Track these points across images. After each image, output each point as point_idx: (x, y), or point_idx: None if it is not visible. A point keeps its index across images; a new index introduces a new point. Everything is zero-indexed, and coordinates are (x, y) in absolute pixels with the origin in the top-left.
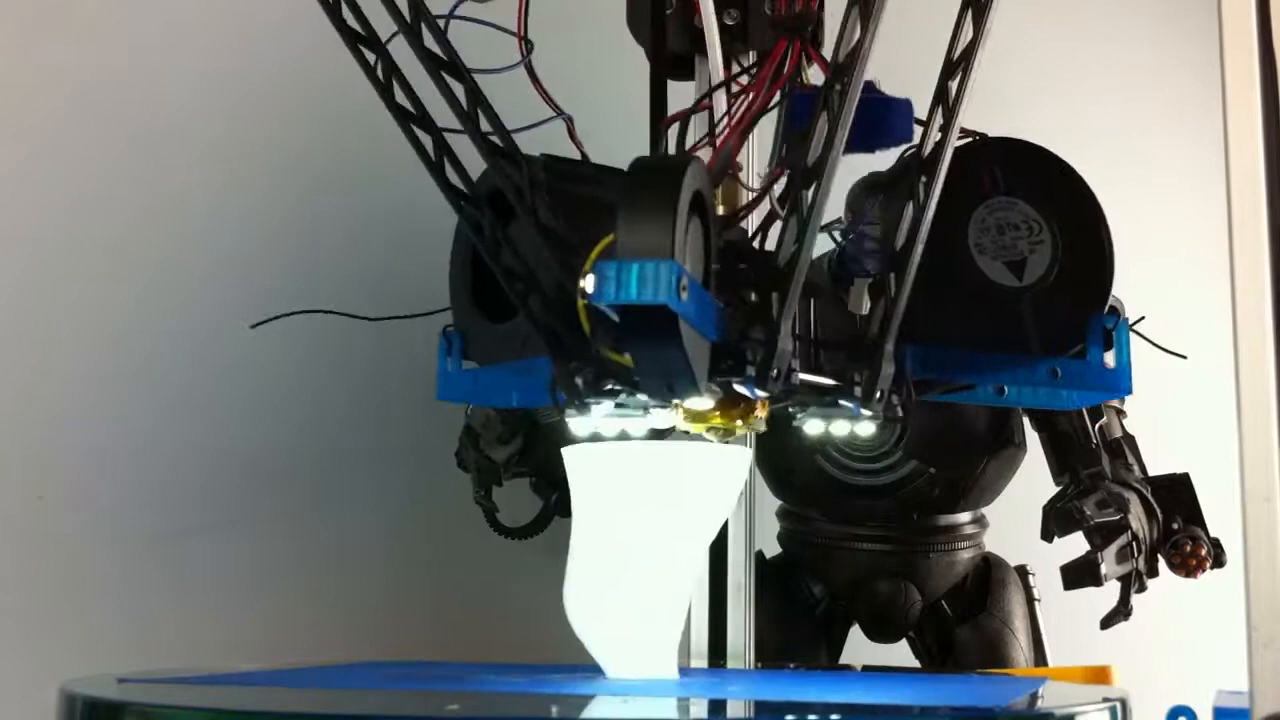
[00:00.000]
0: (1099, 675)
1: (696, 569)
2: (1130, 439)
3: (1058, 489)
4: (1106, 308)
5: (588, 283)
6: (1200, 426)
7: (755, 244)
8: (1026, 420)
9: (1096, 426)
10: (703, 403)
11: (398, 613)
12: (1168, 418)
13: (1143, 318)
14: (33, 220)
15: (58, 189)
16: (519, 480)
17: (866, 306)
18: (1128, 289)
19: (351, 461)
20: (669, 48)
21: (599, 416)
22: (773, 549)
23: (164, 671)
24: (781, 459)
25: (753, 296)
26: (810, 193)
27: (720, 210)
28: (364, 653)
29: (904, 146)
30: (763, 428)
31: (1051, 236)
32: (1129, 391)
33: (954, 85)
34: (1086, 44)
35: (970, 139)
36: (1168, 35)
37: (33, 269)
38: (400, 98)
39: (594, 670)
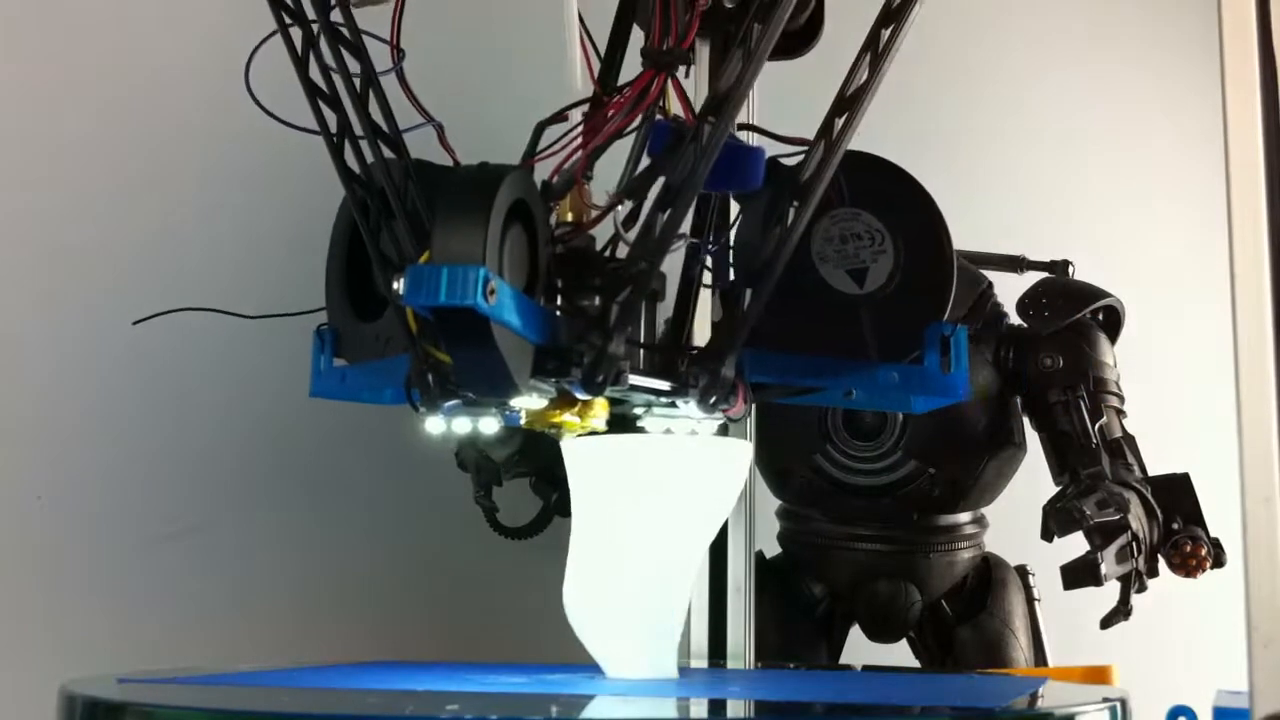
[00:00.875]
0: (1099, 675)
1: (697, 565)
2: (1130, 439)
3: (1058, 489)
4: (945, 315)
5: (400, 285)
6: (1200, 426)
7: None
8: (1026, 420)
9: (1096, 426)
10: (531, 401)
11: (397, 613)
12: (1168, 418)
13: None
14: (26, 224)
15: (42, 193)
16: (519, 480)
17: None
18: (1128, 288)
19: (351, 462)
20: None
21: (450, 415)
22: (773, 549)
23: (164, 671)
24: (781, 459)
25: (597, 301)
26: (664, 217)
27: (569, 218)
28: (363, 653)
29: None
30: (603, 426)
31: (893, 247)
32: (965, 397)
33: (839, 122)
34: (1087, 44)
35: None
36: (1167, 35)
37: (28, 271)
38: (315, 75)
39: (594, 670)
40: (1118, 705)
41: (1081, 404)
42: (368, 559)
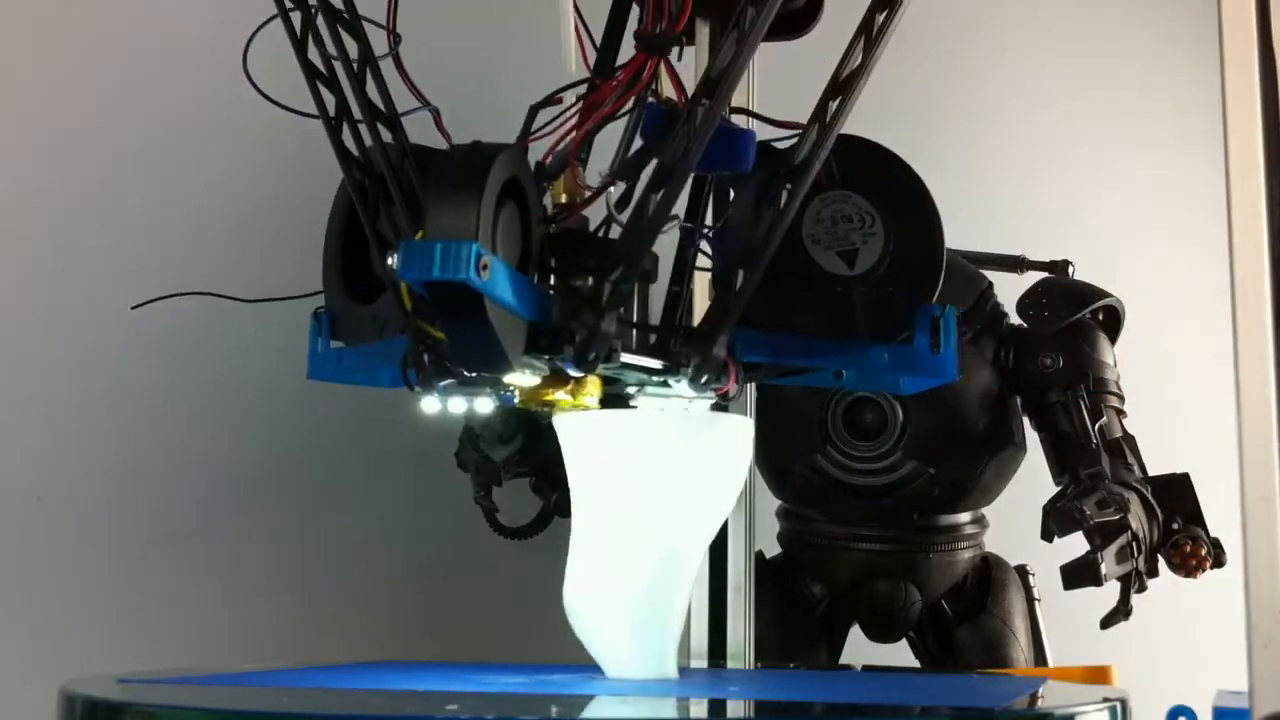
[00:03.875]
0: (1099, 675)
1: (698, 558)
2: (1130, 439)
3: (1058, 489)
4: (935, 297)
5: (394, 260)
6: (1200, 426)
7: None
8: (1026, 420)
9: (1096, 426)
10: (526, 379)
11: (397, 613)
12: (1168, 418)
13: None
14: (26, 224)
15: (45, 193)
16: (519, 480)
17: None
18: (1128, 288)
19: (351, 462)
20: None
21: (446, 395)
22: (773, 549)
23: (164, 671)
24: (781, 459)
25: (589, 281)
26: (657, 198)
27: (562, 199)
28: (364, 653)
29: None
30: (595, 404)
31: (883, 229)
32: (954, 377)
33: (834, 105)
34: (1087, 44)
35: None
36: (1168, 34)
37: (28, 272)
38: (313, 55)
39: (594, 670)
40: (1118, 705)
41: (1081, 404)
42: (368, 559)
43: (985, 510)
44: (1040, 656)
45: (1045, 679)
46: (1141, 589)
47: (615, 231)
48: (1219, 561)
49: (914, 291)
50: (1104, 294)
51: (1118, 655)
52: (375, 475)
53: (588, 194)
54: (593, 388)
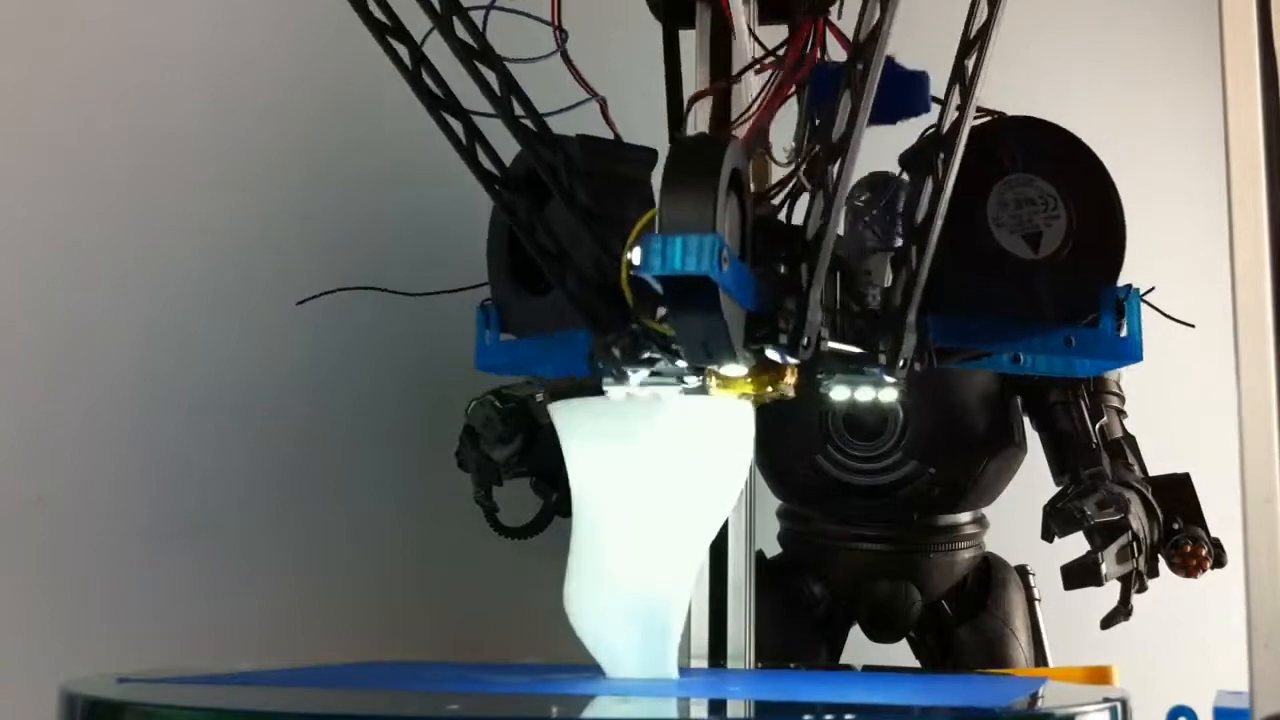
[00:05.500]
0: (1099, 675)
1: (699, 555)
2: (1130, 439)
3: (1058, 489)
4: (1118, 278)
5: (634, 255)
6: (1200, 426)
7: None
8: (1027, 420)
9: (1097, 426)
10: (738, 369)
11: (397, 613)
12: (1168, 417)
13: (1153, 288)
14: (27, 220)
15: (48, 188)
16: (519, 480)
17: (889, 279)
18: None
19: (351, 462)
20: None
21: (635, 384)
22: (773, 549)
23: (164, 671)
24: (782, 459)
25: (783, 269)
26: (835, 168)
27: (752, 186)
28: (364, 653)
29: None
30: (791, 393)
31: (1066, 211)
32: (1139, 359)
33: (970, 63)
34: (1087, 45)
35: (989, 118)
36: (1167, 34)
37: (29, 269)
38: (430, 84)
39: (594, 670)
40: (1118, 705)
41: (1082, 404)
42: (367, 559)
43: (985, 510)
44: (1040, 656)
45: (1045, 679)
46: (1142, 589)
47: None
48: (1219, 562)
49: (1098, 273)
50: None
51: (1118, 655)
52: (375, 475)
53: (778, 177)
54: (790, 376)
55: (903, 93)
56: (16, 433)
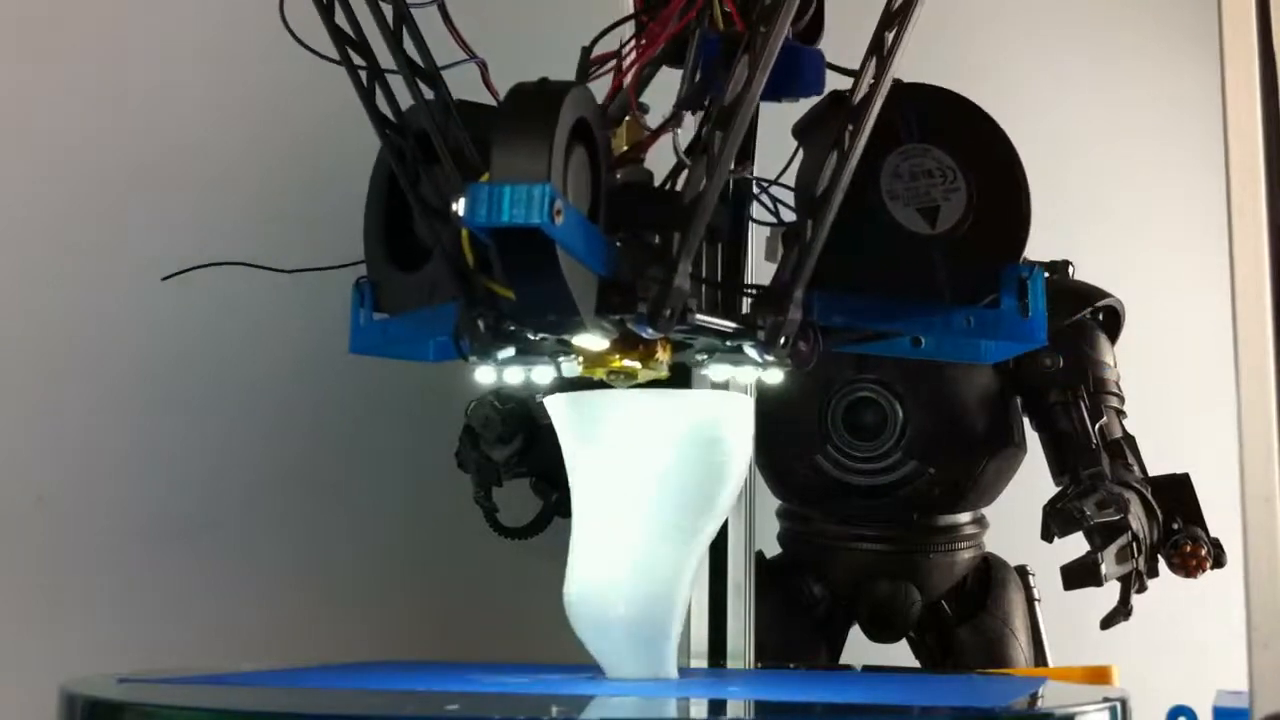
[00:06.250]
0: (1099, 675)
1: (700, 552)
2: (1130, 439)
3: (1058, 489)
4: (1022, 256)
5: (459, 205)
6: (1200, 426)
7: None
8: (1026, 420)
9: (1097, 427)
10: (596, 342)
11: (397, 613)
12: (1168, 418)
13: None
14: (28, 220)
15: (48, 188)
16: (519, 480)
17: (780, 253)
18: (1129, 288)
19: (351, 462)
20: None
21: (503, 364)
22: (773, 549)
23: (164, 671)
24: (781, 459)
25: (655, 236)
26: (721, 135)
27: (624, 148)
28: (364, 653)
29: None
30: (664, 372)
31: (966, 185)
32: (1044, 341)
33: (890, 36)
34: (1087, 45)
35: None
36: (1167, 35)
37: (29, 269)
38: (340, 20)
39: (594, 670)
40: (1118, 705)
41: (1081, 404)
42: (368, 559)
43: (985, 510)
44: (1040, 656)
45: (1045, 679)
46: (1141, 589)
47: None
48: (1219, 562)
49: (999, 250)
50: (1104, 294)
51: (1118, 655)
52: (376, 475)
53: (652, 133)
54: (663, 353)
55: (794, 70)
56: (16, 433)
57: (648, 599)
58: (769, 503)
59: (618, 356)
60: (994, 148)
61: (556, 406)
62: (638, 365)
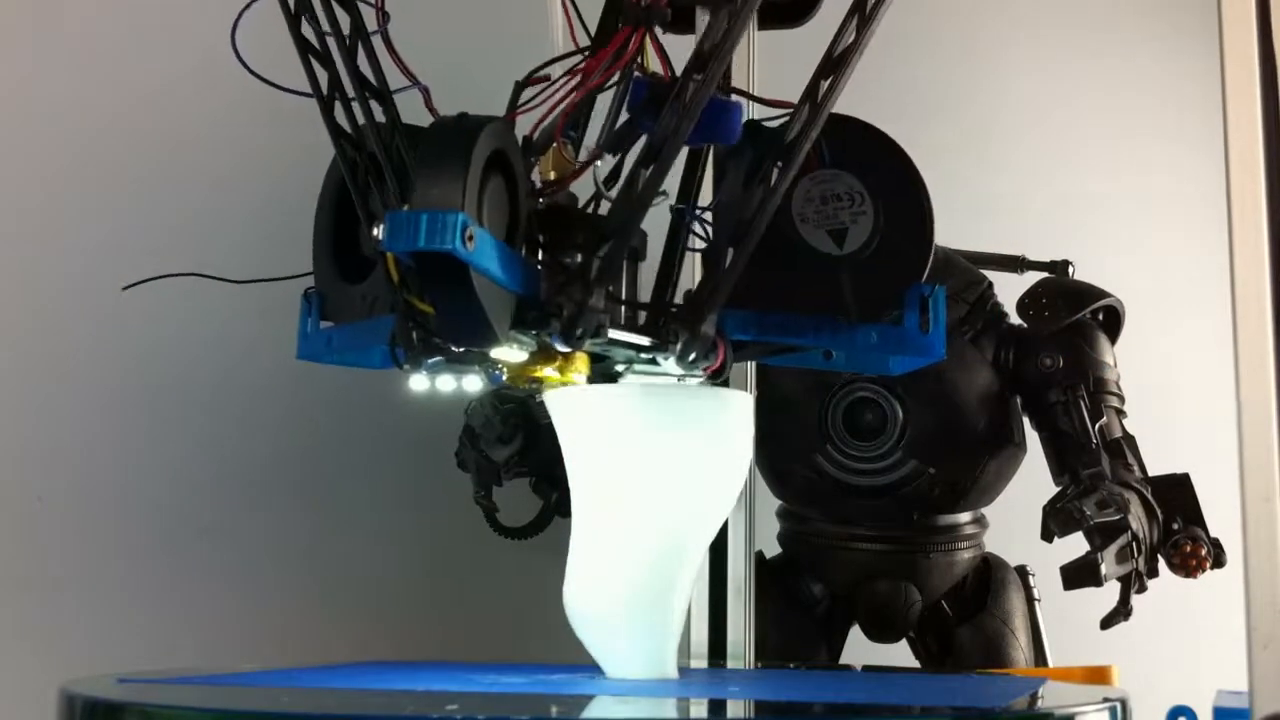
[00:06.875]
0: (1099, 675)
1: (700, 551)
2: (1130, 439)
3: (1058, 489)
4: (924, 276)
5: (379, 231)
6: (1200, 426)
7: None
8: (1026, 420)
9: (1096, 426)
10: (512, 354)
11: (397, 613)
12: (1168, 418)
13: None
14: (25, 221)
15: (50, 189)
16: (519, 480)
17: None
18: (1128, 289)
19: (351, 462)
20: None
21: (434, 372)
22: (773, 549)
23: (164, 671)
24: (781, 459)
25: (577, 257)
26: (646, 173)
27: (551, 176)
28: (364, 653)
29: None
30: (582, 382)
31: (873, 208)
32: (942, 356)
33: (825, 84)
34: (1087, 43)
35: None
36: (1168, 35)
37: (30, 269)
38: (306, 31)
39: (594, 670)
40: (1118, 705)
41: (1081, 404)
42: (368, 559)
43: (985, 510)
44: (1040, 656)
45: (1045, 679)
46: (1141, 589)
47: (605, 209)
48: (1219, 561)
49: (903, 270)
50: (1104, 294)
51: (1118, 655)
52: (375, 476)
53: (576, 169)
54: (581, 365)
55: (717, 119)
56: (17, 433)
57: (648, 599)
58: (769, 503)
59: (537, 367)
60: (901, 177)
61: (556, 403)
62: (556, 375)
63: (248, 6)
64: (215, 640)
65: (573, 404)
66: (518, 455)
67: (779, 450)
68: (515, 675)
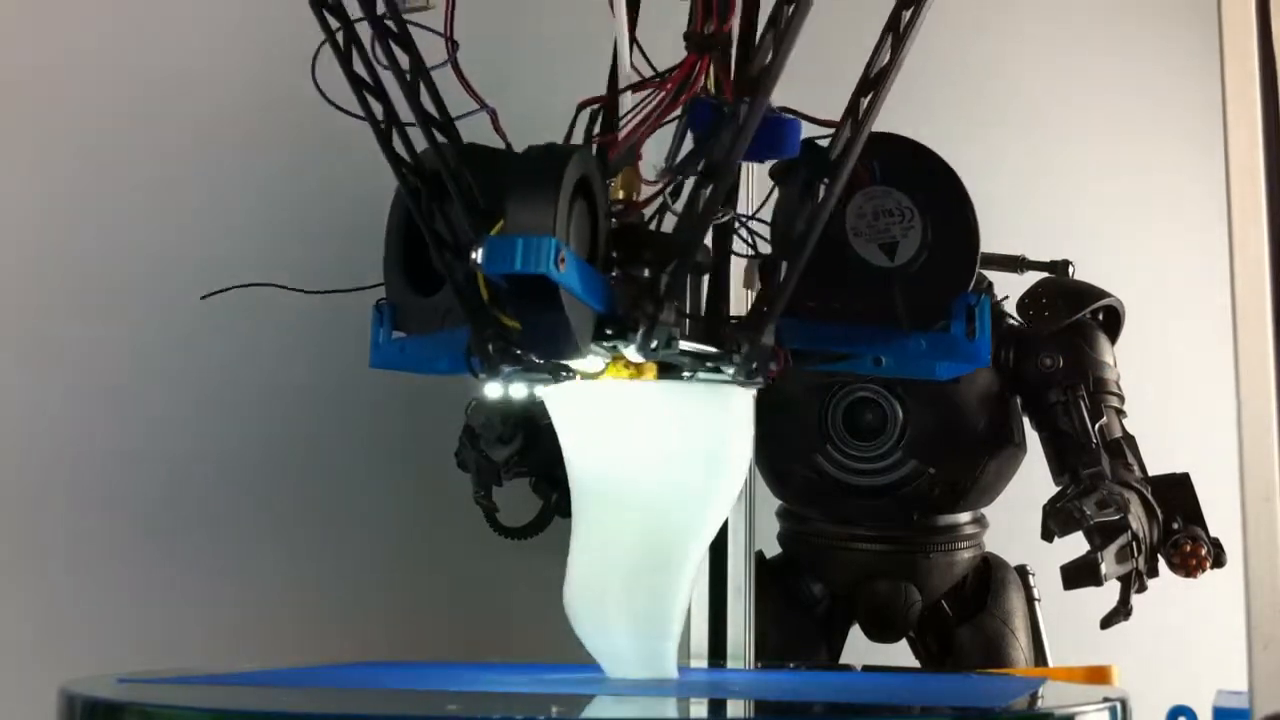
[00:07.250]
0: (1099, 675)
1: (699, 550)
2: (1130, 439)
3: (1058, 489)
4: (970, 286)
5: (478, 254)
6: (1200, 426)
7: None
8: (1026, 420)
9: (1096, 426)
10: (592, 365)
11: (397, 613)
12: (1168, 418)
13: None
14: (27, 221)
15: (53, 192)
16: (519, 480)
17: (755, 282)
18: (1128, 289)
19: (352, 462)
20: None
21: (509, 380)
22: (773, 549)
23: (164, 671)
24: (781, 459)
25: (646, 273)
26: (708, 191)
27: (621, 195)
28: (364, 653)
29: None
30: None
31: (922, 223)
32: (988, 362)
33: (865, 102)
34: (1087, 43)
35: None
36: (1168, 35)
37: (31, 269)
38: (358, 67)
39: (594, 670)
40: (1118, 705)
41: (1081, 404)
42: (368, 559)
43: (985, 510)
44: (1040, 656)
45: (1045, 679)
46: (1141, 589)
47: (669, 224)
48: (1219, 561)
49: (951, 281)
50: (1104, 294)
51: (1118, 655)
52: (375, 476)
53: (645, 189)
54: (649, 372)
55: (776, 137)
56: (17, 432)
57: (648, 599)
58: (769, 503)
59: (610, 374)
60: (949, 192)
61: (554, 399)
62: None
63: (321, 46)
64: (215, 640)
65: (572, 403)
66: (518, 455)
67: (779, 450)
68: (515, 675)
